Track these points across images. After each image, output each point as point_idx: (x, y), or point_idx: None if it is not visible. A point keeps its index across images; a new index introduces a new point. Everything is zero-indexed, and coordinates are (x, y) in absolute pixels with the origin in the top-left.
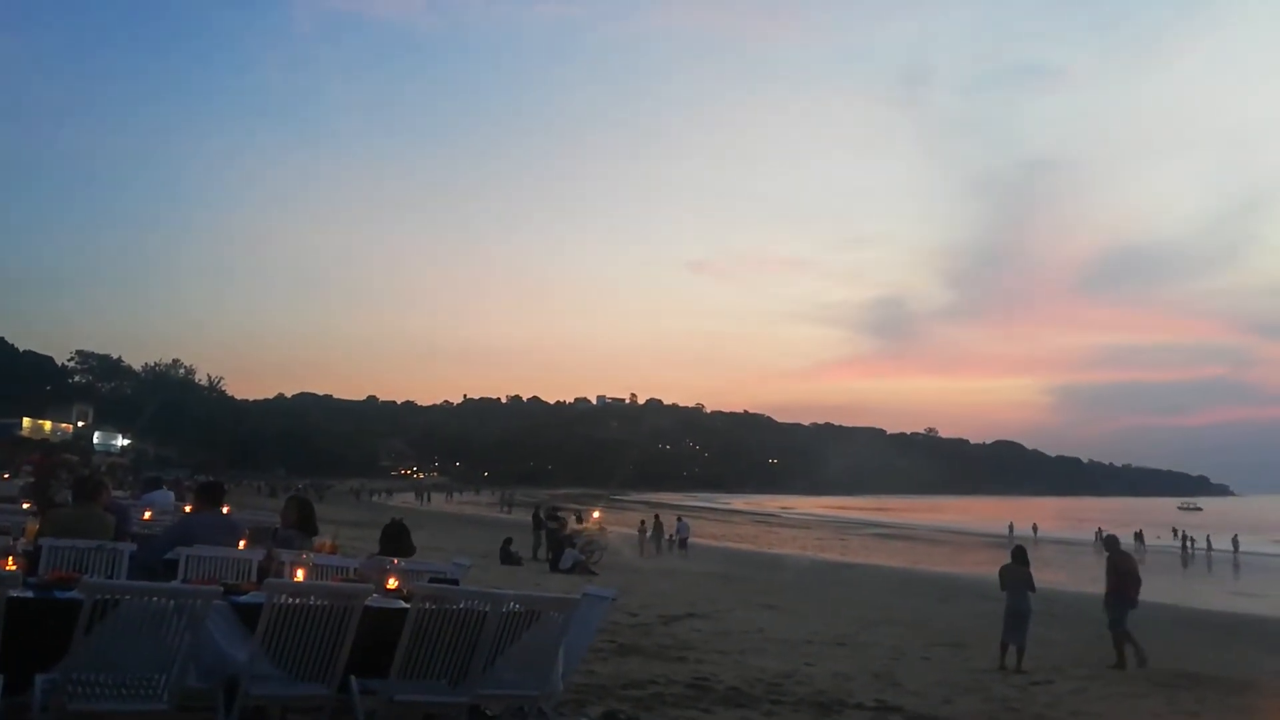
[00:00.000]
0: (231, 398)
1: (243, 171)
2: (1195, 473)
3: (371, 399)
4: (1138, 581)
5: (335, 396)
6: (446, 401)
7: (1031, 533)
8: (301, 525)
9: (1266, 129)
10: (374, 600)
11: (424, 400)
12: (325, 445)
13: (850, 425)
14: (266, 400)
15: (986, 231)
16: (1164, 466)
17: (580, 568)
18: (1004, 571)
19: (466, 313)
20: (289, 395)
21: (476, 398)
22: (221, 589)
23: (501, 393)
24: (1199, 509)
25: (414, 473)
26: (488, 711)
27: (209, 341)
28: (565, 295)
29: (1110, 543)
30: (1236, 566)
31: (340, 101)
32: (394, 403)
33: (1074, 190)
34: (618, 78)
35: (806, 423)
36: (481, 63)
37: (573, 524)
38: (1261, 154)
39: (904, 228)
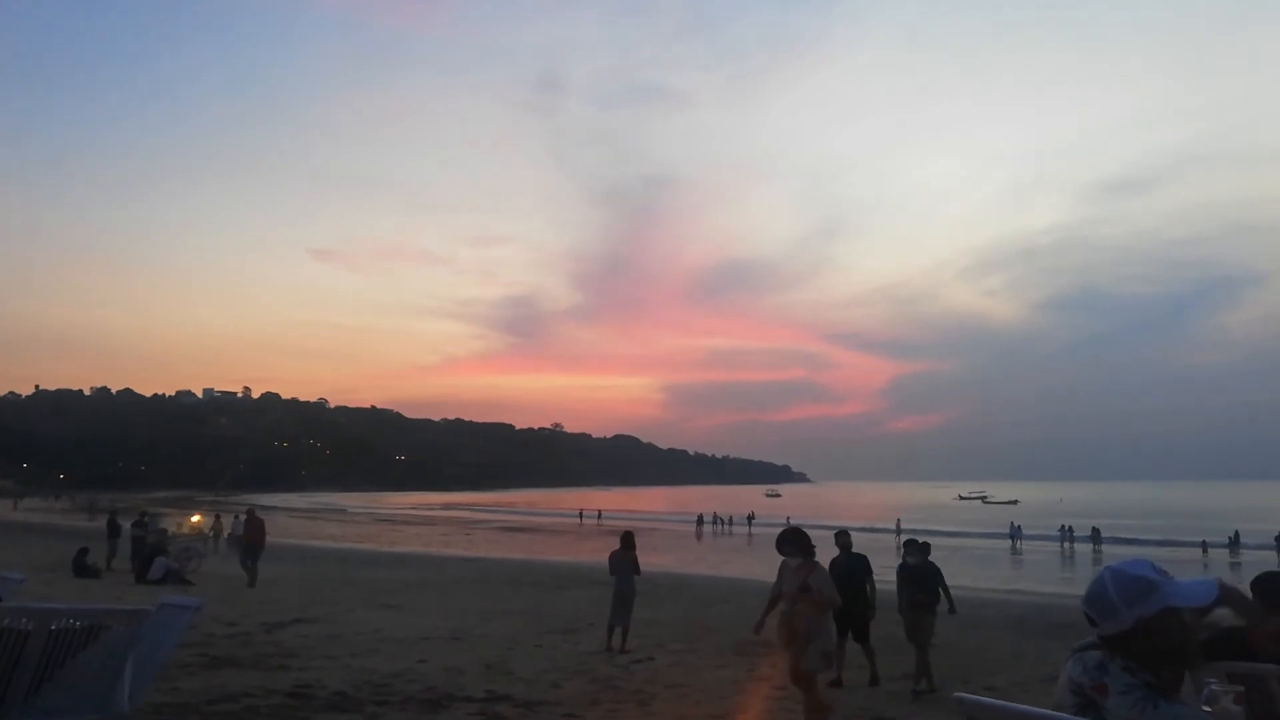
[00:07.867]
0: None
1: None
2: (781, 463)
3: None
4: (262, 533)
5: None
6: (13, 393)
7: (596, 518)
8: None
9: (842, 166)
10: None
11: None
12: None
13: (481, 421)
14: None
15: (610, 239)
16: (757, 458)
17: (173, 577)
18: (613, 557)
19: (40, 291)
20: None
21: (52, 389)
22: None
23: (84, 384)
24: (779, 495)
25: None
26: None
27: None
28: (168, 277)
29: (250, 510)
30: (750, 539)
31: None
32: None
33: (688, 207)
34: (239, 44)
35: (437, 418)
36: (77, 12)
37: (174, 528)
38: (837, 187)
39: (536, 229)
